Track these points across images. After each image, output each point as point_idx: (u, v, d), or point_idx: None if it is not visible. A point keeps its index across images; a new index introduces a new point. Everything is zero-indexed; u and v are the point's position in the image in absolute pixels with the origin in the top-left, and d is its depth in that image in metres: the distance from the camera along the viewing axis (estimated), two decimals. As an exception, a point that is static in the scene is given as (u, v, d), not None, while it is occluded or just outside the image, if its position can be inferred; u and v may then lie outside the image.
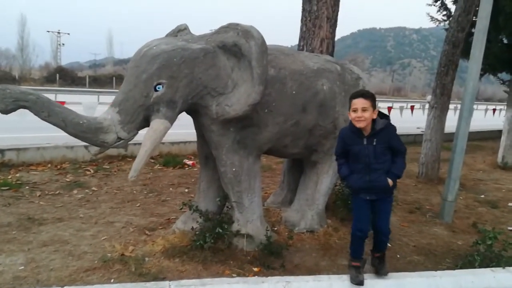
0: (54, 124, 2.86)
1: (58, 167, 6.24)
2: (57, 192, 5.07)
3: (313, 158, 4.16)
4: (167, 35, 3.61)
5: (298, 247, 3.84)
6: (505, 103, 10.21)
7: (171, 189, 5.57)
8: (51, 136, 6.77)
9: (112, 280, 3.00)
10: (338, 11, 4.79)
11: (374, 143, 2.90)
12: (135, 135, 3.18)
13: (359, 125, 2.88)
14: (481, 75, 10.06)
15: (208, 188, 3.96)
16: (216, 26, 3.47)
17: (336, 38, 5.01)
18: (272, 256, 3.53)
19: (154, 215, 4.49)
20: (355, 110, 2.88)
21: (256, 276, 2.96)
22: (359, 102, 2.86)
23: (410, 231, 4.51)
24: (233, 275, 3.21)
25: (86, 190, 5.23)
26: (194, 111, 3.38)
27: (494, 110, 21.24)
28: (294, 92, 3.57)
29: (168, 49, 3.02)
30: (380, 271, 3.10)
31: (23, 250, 3.45)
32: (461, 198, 5.95)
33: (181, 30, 3.53)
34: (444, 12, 9.66)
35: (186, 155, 7.67)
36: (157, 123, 3.07)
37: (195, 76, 3.11)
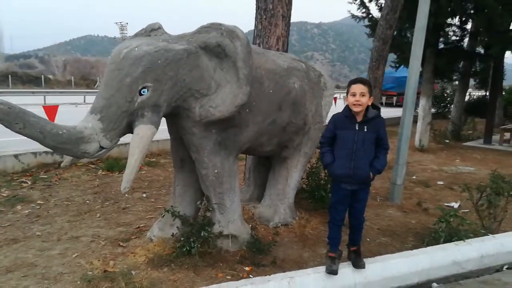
0: (30, 137, 2.56)
1: (-14, 181, 5.51)
2: (-3, 210, 4.50)
3: (283, 154, 4.28)
4: (136, 35, 3.39)
5: (277, 241, 3.94)
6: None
7: (126, 195, 5.26)
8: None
9: (104, 300, 2.80)
10: (291, 9, 4.93)
11: (365, 130, 2.99)
12: (117, 142, 2.97)
13: (356, 109, 2.96)
14: (397, 67, 11.15)
15: (184, 192, 3.85)
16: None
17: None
18: (260, 254, 3.58)
19: (121, 224, 4.23)
20: (353, 95, 2.95)
21: (261, 276, 2.98)
22: (358, 88, 2.94)
23: (369, 215, 4.87)
24: (227, 277, 3.20)
25: (32, 205, 4.71)
26: (174, 114, 3.26)
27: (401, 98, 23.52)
28: (271, 91, 3.63)
29: (150, 50, 2.86)
30: (357, 265, 3.19)
31: (-15, 280, 3.04)
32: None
33: (154, 30, 3.34)
34: (364, 10, 10.43)
35: (126, 158, 7.26)
36: (143, 128, 2.91)
37: (179, 78, 3.00)
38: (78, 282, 3.02)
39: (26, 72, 42.44)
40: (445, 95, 18.48)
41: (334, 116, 3.19)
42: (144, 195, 5.32)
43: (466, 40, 11.37)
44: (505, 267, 3.75)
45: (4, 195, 5.02)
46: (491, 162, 8.59)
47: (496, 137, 11.38)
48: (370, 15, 10.44)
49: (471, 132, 12.81)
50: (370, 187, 3.34)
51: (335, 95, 19.57)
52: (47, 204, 4.79)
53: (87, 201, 4.95)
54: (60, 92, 24.43)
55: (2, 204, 4.67)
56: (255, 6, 4.91)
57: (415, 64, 4.98)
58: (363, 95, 2.93)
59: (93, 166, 6.66)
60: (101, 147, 2.84)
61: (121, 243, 3.74)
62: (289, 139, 4.13)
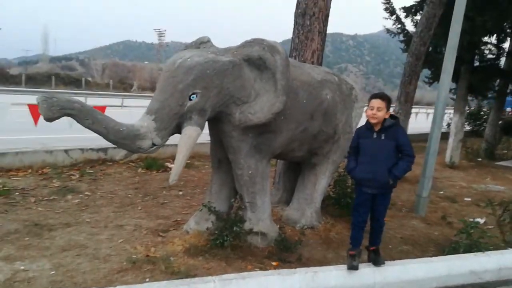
0: (96, 131, 2.98)
1: (40, 172, 6.08)
2: (51, 198, 5.00)
3: (313, 161, 4.56)
4: (187, 47, 3.81)
5: (303, 241, 4.19)
6: (434, 107, 11.39)
7: (164, 192, 5.69)
8: (28, 138, 6.56)
9: (147, 280, 3.16)
10: (327, 25, 5.23)
11: (382, 137, 3.30)
12: (166, 141, 3.36)
13: (372, 121, 3.30)
14: (431, 83, 11.18)
15: (220, 191, 4.20)
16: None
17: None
18: (286, 251, 3.86)
19: (160, 217, 4.62)
20: (372, 108, 3.27)
21: (287, 269, 3.26)
22: (376, 102, 3.27)
23: (393, 225, 5.06)
24: (256, 269, 3.49)
25: (80, 195, 5.20)
26: (216, 118, 3.62)
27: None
28: (304, 101, 3.93)
29: (201, 61, 3.25)
30: (377, 262, 3.45)
31: (45, 255, 3.47)
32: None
33: (203, 42, 3.75)
34: (399, 25, 10.57)
35: (165, 158, 7.73)
36: (190, 130, 3.28)
37: (224, 86, 3.37)
38: (124, 263, 3.40)
39: (67, 74, 44.76)
40: (481, 113, 18.14)
41: (358, 128, 3.53)
42: (180, 193, 5.72)
43: (504, 58, 11.27)
44: (525, 281, 3.86)
45: (56, 185, 5.54)
46: (523, 182, 8.49)
47: (531, 158, 11.17)
48: (406, 31, 10.57)
49: (505, 152, 12.58)
50: (392, 193, 3.56)
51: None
52: (93, 195, 5.27)
53: (129, 195, 5.40)
54: (100, 94, 25.55)
55: (55, 193, 5.18)
56: (293, 21, 5.24)
57: (445, 80, 5.14)
58: (379, 110, 3.24)
59: (133, 164, 7.14)
60: (154, 144, 3.23)
61: (160, 233, 4.12)
62: (319, 147, 4.41)
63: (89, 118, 2.90)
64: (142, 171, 6.84)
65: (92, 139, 7.60)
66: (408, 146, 3.32)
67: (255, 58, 3.48)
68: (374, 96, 3.34)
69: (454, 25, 5.03)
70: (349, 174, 3.73)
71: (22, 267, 3.24)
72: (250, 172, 3.82)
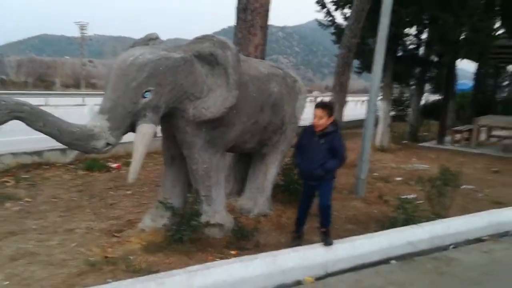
0: (48, 134, 2.88)
1: (-33, 180, 5.60)
2: (-13, 207, 4.66)
3: (263, 151, 4.75)
4: (135, 43, 3.76)
5: (258, 229, 4.38)
6: (361, 95, 12.32)
7: (111, 192, 5.54)
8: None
9: (110, 280, 3.13)
10: (268, 20, 5.42)
11: (322, 142, 3.76)
12: (120, 140, 3.32)
13: (316, 128, 3.77)
14: (360, 73, 11.93)
15: (173, 186, 4.23)
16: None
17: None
18: (244, 239, 4.01)
19: (111, 218, 4.53)
20: (315, 117, 3.73)
21: (248, 255, 3.42)
22: (317, 111, 3.73)
23: (336, 206, 5.38)
24: (216, 259, 3.61)
25: (20, 202, 4.90)
26: (169, 115, 3.64)
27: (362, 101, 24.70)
28: (254, 94, 4.09)
29: (154, 58, 3.25)
30: (326, 243, 3.78)
31: (-7, 267, 3.28)
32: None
33: (152, 39, 3.73)
34: (330, 18, 11.12)
35: (105, 158, 7.47)
36: (145, 127, 3.29)
37: (177, 82, 3.40)
38: (83, 266, 3.33)
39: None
40: (403, 99, 19.66)
41: (303, 129, 3.99)
42: (129, 192, 5.61)
43: (422, 48, 12.37)
44: (451, 246, 4.41)
45: (-10, 193, 5.16)
46: (443, 160, 9.43)
47: (448, 138, 12.40)
48: (336, 24, 11.15)
49: (426, 133, 13.83)
50: (333, 182, 4.02)
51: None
52: (34, 201, 4.99)
53: (74, 198, 5.19)
54: (20, 93, 23.59)
55: (-9, 202, 4.83)
56: (235, 17, 5.35)
57: (377, 70, 5.60)
58: (321, 118, 3.70)
59: (72, 166, 6.83)
60: (108, 144, 3.18)
61: (115, 234, 4.06)
62: (268, 138, 4.60)
63: (40, 121, 2.80)
64: (83, 172, 6.57)
65: (23, 142, 7.16)
66: (341, 150, 3.82)
67: (206, 54, 3.55)
68: (316, 106, 3.81)
69: (383, 19, 5.48)
70: (295, 167, 4.26)
71: (-31, 282, 3.04)
72: (205, 166, 3.90)
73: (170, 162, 4.18)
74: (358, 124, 16.41)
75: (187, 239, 3.77)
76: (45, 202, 4.97)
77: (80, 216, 4.54)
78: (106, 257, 3.51)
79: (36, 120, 2.78)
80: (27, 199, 5.02)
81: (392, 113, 17.05)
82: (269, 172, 4.81)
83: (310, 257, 3.56)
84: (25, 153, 6.53)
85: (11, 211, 4.60)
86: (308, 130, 3.87)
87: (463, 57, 11.24)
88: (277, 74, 4.52)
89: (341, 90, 7.94)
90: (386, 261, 3.96)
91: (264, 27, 5.30)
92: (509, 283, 3.79)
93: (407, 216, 4.42)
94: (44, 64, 54.10)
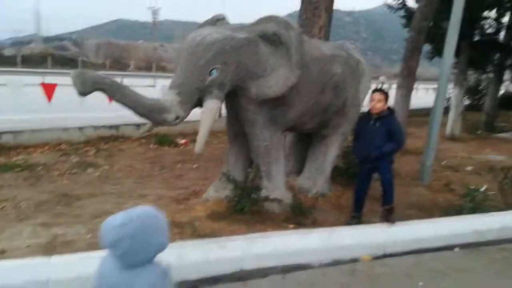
0: (125, 105, 3.18)
1: (57, 148, 6.30)
2: (73, 172, 5.24)
3: (323, 133, 4.79)
4: (202, 24, 3.96)
5: (316, 208, 4.46)
6: (433, 83, 11.62)
7: (179, 165, 5.93)
8: (43, 117, 6.76)
9: (178, 241, 3.41)
10: (333, 2, 5.36)
11: (377, 125, 3.87)
12: (189, 114, 3.56)
13: (373, 111, 3.89)
14: (431, 58, 11.31)
15: (236, 161, 4.44)
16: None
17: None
18: (301, 216, 4.13)
19: (179, 188, 4.88)
20: (372, 100, 3.86)
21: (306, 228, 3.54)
22: (376, 95, 3.86)
23: (399, 192, 5.24)
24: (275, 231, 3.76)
25: (100, 169, 5.45)
26: (233, 93, 3.81)
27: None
28: (315, 75, 4.13)
29: (220, 38, 3.42)
30: (388, 220, 3.87)
31: (78, 222, 3.74)
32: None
33: (219, 20, 3.91)
34: (400, 1, 10.62)
35: (173, 135, 7.94)
36: (211, 103, 3.49)
37: (241, 61, 3.55)
38: (154, 227, 3.66)
39: (62, 55, 44.39)
40: (480, 87, 18.30)
41: (359, 117, 4.21)
42: (195, 166, 5.97)
43: (503, 33, 11.39)
44: (524, 239, 4.15)
45: (75, 160, 5.78)
46: (521, 153, 8.76)
47: (529, 130, 11.43)
48: (406, 6, 10.62)
49: (504, 124, 12.83)
50: (392, 163, 4.10)
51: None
52: (112, 169, 5.52)
53: (146, 169, 5.65)
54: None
55: (76, 167, 5.42)
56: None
57: (448, 55, 5.32)
58: (379, 101, 3.84)
59: (144, 140, 7.36)
60: (177, 117, 3.43)
61: (182, 202, 4.38)
62: (329, 119, 4.63)
63: (119, 93, 3.09)
64: (154, 146, 7.08)
65: (103, 119, 7.83)
66: (399, 133, 3.89)
67: (270, 34, 3.65)
68: (375, 90, 3.97)
69: (457, 1, 5.17)
70: (353, 153, 4.39)
71: (60, 232, 3.50)
72: (266, 143, 4.04)
73: (234, 139, 4.38)
74: (428, 113, 15.63)
75: (248, 210, 3.97)
76: (121, 170, 5.47)
77: (151, 184, 4.95)
78: (174, 221, 3.82)
79: (116, 92, 3.08)
80: (105, 167, 5.56)
81: (467, 101, 16.02)
82: (328, 153, 4.84)
83: (368, 236, 3.58)
84: (104, 126, 7.17)
85: (92, 176, 5.13)
86: (364, 117, 4.03)
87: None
88: (340, 56, 4.50)
89: (409, 75, 7.62)
90: (449, 248, 3.85)
91: (329, 9, 5.25)
92: None
93: (475, 205, 4.24)
94: (119, 48, 57.62)
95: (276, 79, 3.70)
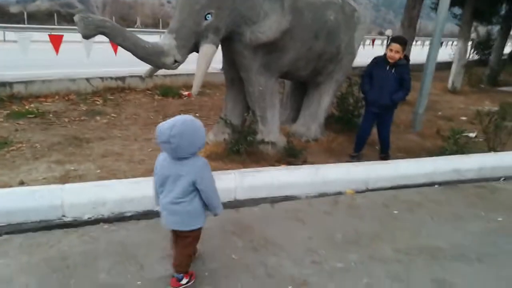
0: (126, 48, 3.40)
1: (66, 98, 6.61)
2: (82, 118, 5.58)
3: (317, 80, 4.99)
4: None
5: (308, 150, 4.77)
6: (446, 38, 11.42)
7: (182, 114, 6.20)
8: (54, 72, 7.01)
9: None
10: None
11: (393, 71, 4.21)
12: (186, 58, 3.78)
13: (390, 60, 4.20)
14: (435, 9, 11.11)
15: (234, 107, 4.70)
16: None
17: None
18: (294, 157, 4.44)
19: (181, 133, 5.18)
20: (391, 50, 4.16)
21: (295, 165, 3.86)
22: (395, 46, 4.15)
23: (392, 138, 5.55)
24: (268, 170, 4.09)
25: (107, 116, 5.77)
26: (228, 38, 4.00)
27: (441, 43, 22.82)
28: (309, 21, 4.27)
29: None
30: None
31: (88, 160, 4.10)
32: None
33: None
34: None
35: (177, 87, 8.18)
36: (207, 47, 3.70)
37: (235, 6, 3.72)
38: (157, 165, 4.01)
39: (68, 12, 43.80)
40: (491, 42, 17.89)
41: (375, 58, 4.41)
42: (197, 115, 6.25)
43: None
44: (502, 179, 4.43)
45: (84, 109, 6.10)
46: (521, 105, 8.85)
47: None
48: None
49: (510, 78, 12.73)
50: (393, 114, 4.46)
51: (373, 38, 19.36)
52: (119, 117, 5.83)
53: (151, 117, 5.95)
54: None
55: (85, 115, 5.75)
56: None
57: (444, 4, 5.36)
58: (397, 52, 4.14)
59: (149, 92, 7.63)
60: (175, 61, 3.66)
61: (183, 144, 4.69)
62: (323, 66, 4.81)
63: (120, 36, 3.31)
64: (159, 97, 7.34)
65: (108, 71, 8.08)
66: (408, 82, 4.19)
67: None
68: (394, 40, 4.25)
69: None
70: (363, 93, 4.61)
71: (72, 168, 3.87)
72: (261, 88, 4.28)
73: (230, 84, 4.62)
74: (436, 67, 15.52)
75: (243, 151, 4.29)
76: (127, 118, 5.79)
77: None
78: (175, 160, 4.16)
79: (117, 35, 3.29)
80: (113, 115, 5.88)
81: (475, 56, 15.78)
82: (322, 101, 5.07)
83: (352, 173, 3.89)
84: (111, 78, 7.42)
85: (100, 123, 5.46)
86: (380, 60, 4.27)
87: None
88: (335, 2, 4.60)
89: (410, 25, 7.64)
90: (430, 184, 4.15)
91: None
92: None
93: (457, 147, 4.49)
94: (126, 5, 56.64)
95: (270, 24, 3.87)
